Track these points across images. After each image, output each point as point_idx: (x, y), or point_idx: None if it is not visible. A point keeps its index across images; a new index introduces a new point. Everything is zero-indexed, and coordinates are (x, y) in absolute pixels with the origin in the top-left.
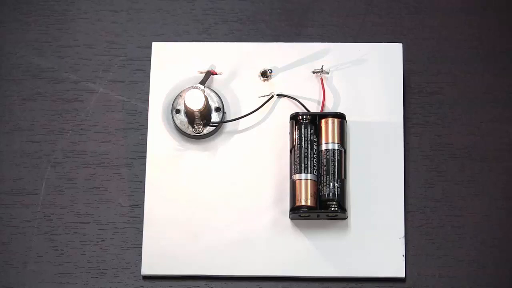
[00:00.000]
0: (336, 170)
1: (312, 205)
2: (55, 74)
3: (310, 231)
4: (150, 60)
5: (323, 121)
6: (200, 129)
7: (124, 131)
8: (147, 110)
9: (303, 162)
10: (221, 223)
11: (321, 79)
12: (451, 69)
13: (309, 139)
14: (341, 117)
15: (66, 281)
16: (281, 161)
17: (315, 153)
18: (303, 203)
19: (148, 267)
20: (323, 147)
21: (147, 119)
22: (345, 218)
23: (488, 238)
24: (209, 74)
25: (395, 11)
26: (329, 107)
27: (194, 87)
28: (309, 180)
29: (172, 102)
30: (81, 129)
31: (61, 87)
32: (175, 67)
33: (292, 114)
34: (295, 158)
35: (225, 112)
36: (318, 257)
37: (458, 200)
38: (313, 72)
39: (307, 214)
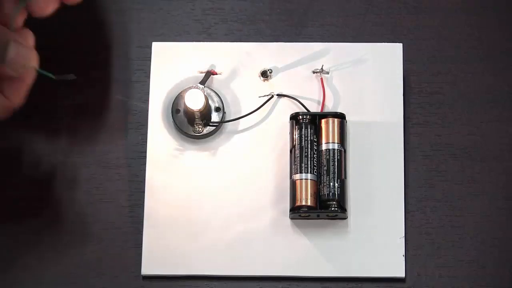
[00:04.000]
0: (336, 170)
1: (312, 205)
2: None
3: (310, 231)
4: (150, 60)
5: (323, 121)
6: (200, 129)
7: (124, 131)
8: (147, 110)
9: (303, 162)
10: (221, 223)
11: (321, 79)
12: (451, 69)
13: (309, 139)
14: (341, 117)
15: (66, 281)
16: (281, 161)
17: (315, 153)
18: (303, 203)
19: (148, 267)
20: (323, 147)
21: (147, 119)
22: (345, 218)
23: (488, 238)
24: (209, 74)
25: (395, 11)
26: (329, 107)
27: (194, 87)
28: (309, 180)
29: (172, 102)
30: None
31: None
32: (175, 67)
33: (292, 114)
34: (295, 158)
35: (225, 112)
36: (318, 257)
37: (458, 200)
38: (313, 72)
39: (307, 214)
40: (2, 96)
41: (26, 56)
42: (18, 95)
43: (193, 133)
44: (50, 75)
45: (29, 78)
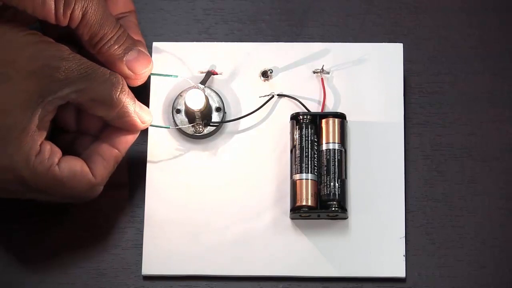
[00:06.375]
0: (336, 170)
1: (312, 205)
2: None
3: (310, 231)
4: None
5: (323, 121)
6: (200, 129)
7: None
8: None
9: (303, 162)
10: (221, 223)
11: (322, 79)
12: (451, 69)
13: (309, 139)
14: (341, 117)
15: (66, 281)
16: (282, 161)
17: (316, 153)
18: (304, 203)
19: (148, 267)
20: (324, 147)
21: None
22: (345, 218)
23: (488, 238)
24: (210, 74)
25: (395, 11)
26: (330, 107)
27: (195, 87)
28: (309, 180)
29: (172, 102)
30: None
31: None
32: (175, 67)
33: (292, 114)
34: (295, 158)
35: (225, 112)
36: (318, 257)
37: (458, 200)
38: (314, 72)
39: (307, 214)
40: (112, 148)
41: (147, 111)
42: (125, 146)
43: (193, 133)
44: (165, 126)
45: (138, 133)
